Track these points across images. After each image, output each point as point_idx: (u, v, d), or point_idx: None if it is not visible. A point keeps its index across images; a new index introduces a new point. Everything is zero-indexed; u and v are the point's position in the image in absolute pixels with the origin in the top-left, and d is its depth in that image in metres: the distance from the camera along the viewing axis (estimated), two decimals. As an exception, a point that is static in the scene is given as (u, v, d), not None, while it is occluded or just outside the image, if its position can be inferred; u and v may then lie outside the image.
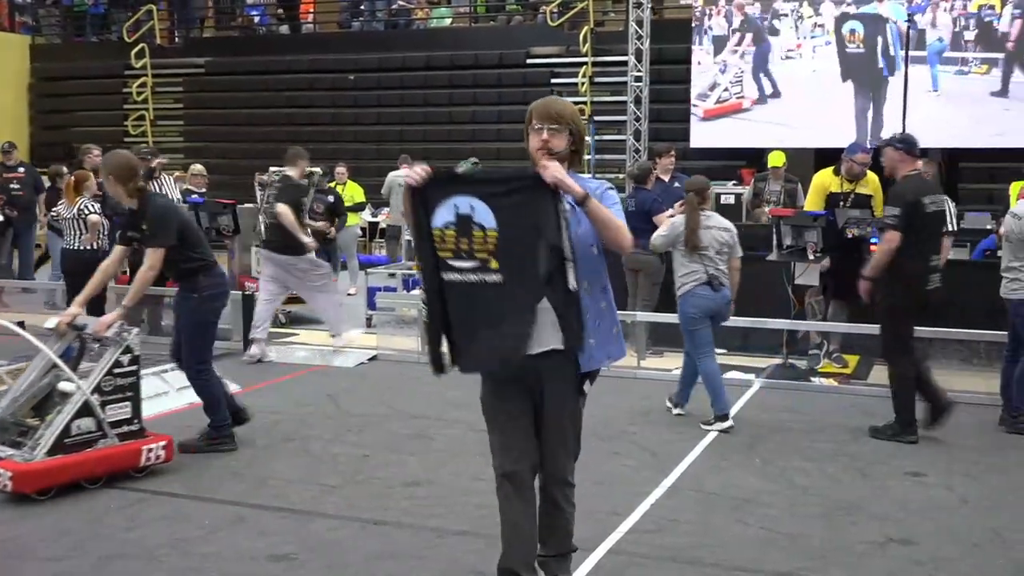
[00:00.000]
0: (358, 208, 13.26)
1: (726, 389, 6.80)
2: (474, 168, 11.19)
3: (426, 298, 3.69)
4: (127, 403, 5.51)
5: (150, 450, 5.57)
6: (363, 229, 14.11)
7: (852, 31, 14.23)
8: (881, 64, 14.11)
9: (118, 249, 6.15)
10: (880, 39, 14.06)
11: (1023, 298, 6.69)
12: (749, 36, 14.74)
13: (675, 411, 7.11)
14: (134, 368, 5.56)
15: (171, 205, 6.45)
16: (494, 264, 3.50)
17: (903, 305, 6.45)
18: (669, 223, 7.11)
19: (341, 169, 13.17)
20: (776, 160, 10.87)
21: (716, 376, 6.77)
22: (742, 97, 14.87)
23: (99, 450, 5.37)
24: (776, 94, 14.73)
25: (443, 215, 3.52)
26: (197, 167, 12.00)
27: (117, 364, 5.46)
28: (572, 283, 3.45)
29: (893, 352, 6.54)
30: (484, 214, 3.47)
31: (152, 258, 5.83)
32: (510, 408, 3.75)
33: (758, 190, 10.92)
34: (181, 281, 6.17)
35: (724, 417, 6.68)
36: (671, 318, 9.01)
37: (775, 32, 14.62)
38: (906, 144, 6.60)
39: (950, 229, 7.62)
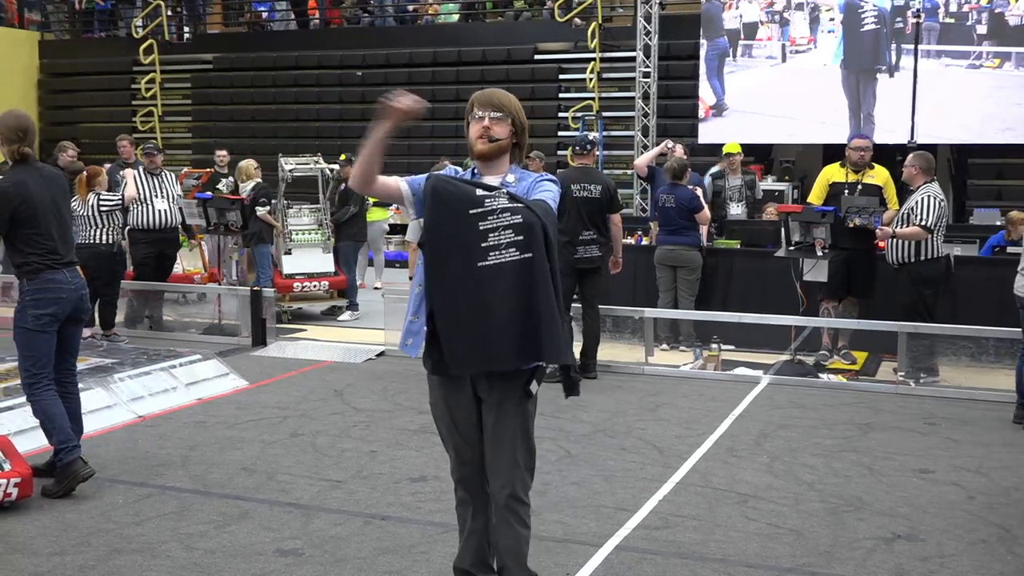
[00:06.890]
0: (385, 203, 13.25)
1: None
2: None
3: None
4: None
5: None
6: (392, 225, 14.03)
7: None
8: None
9: None
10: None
11: None
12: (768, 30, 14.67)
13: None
14: None
15: (9, 189, 5.18)
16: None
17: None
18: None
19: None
20: (732, 148, 10.73)
21: None
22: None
23: None
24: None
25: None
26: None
27: None
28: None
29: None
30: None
31: None
32: (453, 414, 3.64)
33: (718, 188, 10.75)
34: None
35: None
36: (684, 314, 9.07)
37: (786, 23, 14.55)
38: (579, 144, 8.23)
39: (921, 223, 7.70)
